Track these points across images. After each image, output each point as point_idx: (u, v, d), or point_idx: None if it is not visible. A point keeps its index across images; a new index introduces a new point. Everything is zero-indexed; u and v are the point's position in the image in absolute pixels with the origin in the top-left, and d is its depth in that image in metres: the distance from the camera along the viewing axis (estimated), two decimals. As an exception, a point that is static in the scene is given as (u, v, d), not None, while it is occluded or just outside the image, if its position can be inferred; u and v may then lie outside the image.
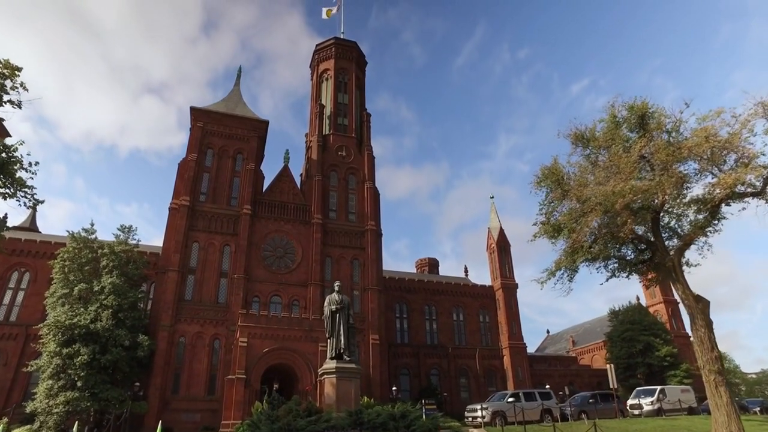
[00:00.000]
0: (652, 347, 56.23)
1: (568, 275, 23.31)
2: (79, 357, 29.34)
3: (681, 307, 74.71)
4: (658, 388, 29.37)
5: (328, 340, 15.91)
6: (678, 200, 17.74)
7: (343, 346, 15.43)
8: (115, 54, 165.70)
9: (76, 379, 29.20)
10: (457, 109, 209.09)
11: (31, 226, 58.20)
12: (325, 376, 15.26)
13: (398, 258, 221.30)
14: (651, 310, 69.75)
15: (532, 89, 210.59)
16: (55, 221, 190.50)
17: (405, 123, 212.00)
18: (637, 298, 71.56)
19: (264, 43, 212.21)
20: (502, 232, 64.71)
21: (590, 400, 26.51)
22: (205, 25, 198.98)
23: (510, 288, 61.23)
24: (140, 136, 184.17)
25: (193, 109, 46.04)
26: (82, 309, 32.33)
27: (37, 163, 14.85)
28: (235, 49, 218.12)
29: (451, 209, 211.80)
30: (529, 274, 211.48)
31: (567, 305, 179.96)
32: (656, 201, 18.80)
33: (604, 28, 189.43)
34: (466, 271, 74.51)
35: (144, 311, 38.98)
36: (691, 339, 18.93)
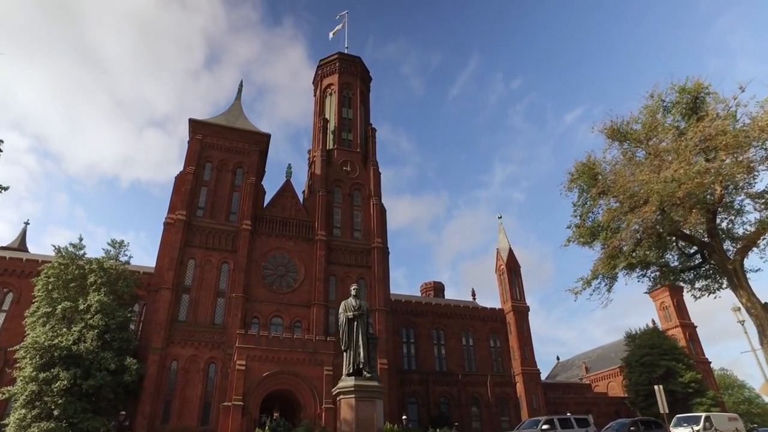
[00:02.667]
0: (675, 373, 52.89)
1: (606, 284, 20.86)
2: (58, 382, 26.30)
3: (699, 330, 71.71)
4: (703, 415, 26.48)
5: (345, 353, 13.27)
6: (745, 191, 15.38)
7: (362, 360, 12.78)
8: (120, 88, 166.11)
9: (53, 407, 26.06)
10: (456, 139, 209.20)
11: (20, 246, 55.67)
12: (342, 396, 12.55)
13: (396, 287, 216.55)
14: (667, 334, 66.43)
15: (527, 118, 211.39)
16: (51, 249, 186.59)
17: (405, 153, 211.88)
18: (653, 322, 68.37)
19: (265, 76, 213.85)
20: (511, 253, 62.20)
21: (632, 428, 23.63)
22: (208, 60, 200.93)
23: (521, 311, 58.51)
24: (142, 168, 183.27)
25: (191, 121, 44.15)
26: (64, 329, 29.49)
27: (0, 141, 12.57)
28: (237, 82, 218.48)
29: (449, 239, 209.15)
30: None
31: (566, 334, 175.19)
32: (713, 195, 16.51)
33: (596, 59, 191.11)
34: (473, 294, 71.61)
35: (136, 333, 36.12)
36: (760, 355, 16.16)
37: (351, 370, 12.91)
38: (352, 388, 12.22)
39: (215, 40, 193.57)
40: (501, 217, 66.21)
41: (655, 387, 22.02)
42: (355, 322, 13.37)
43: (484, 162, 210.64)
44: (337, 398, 12.83)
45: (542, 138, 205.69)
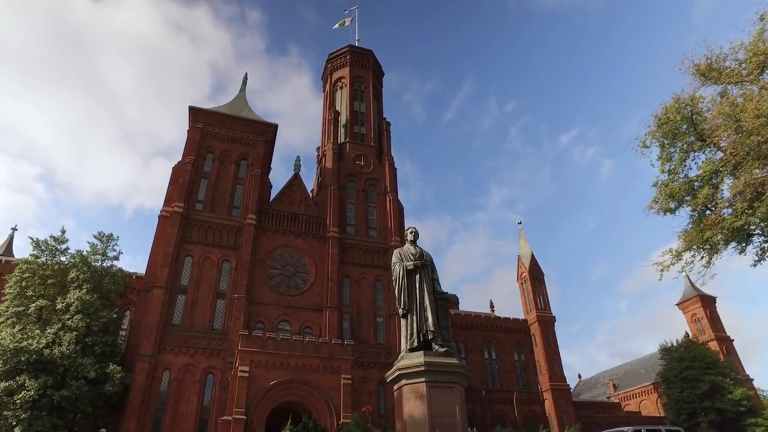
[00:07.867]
0: (722, 389, 47.66)
1: (703, 256, 16.59)
2: (23, 392, 21.76)
3: (736, 344, 66.25)
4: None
5: (403, 320, 8.84)
6: None
7: (431, 328, 8.41)
8: (128, 119, 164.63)
9: (14, 423, 21.46)
10: (453, 162, 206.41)
11: (5, 252, 51.81)
12: (404, 381, 8.05)
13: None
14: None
15: (522, 141, 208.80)
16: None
17: (408, 178, 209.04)
18: (687, 334, 63.11)
19: (269, 103, 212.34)
20: (533, 259, 57.73)
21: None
22: (214, 90, 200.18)
23: (547, 321, 53.82)
24: (146, 196, 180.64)
25: (192, 109, 40.46)
26: (37, 331, 25.03)
27: None
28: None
29: (450, 263, 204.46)
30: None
31: (568, 358, 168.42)
32: None
33: (589, 81, 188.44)
34: (491, 306, 66.60)
35: (127, 338, 31.67)
36: None
37: (415, 343, 8.39)
38: (422, 367, 7.73)
39: (221, 70, 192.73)
40: (521, 223, 61.87)
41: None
42: (417, 275, 9.00)
43: (480, 185, 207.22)
44: (395, 385, 8.35)
45: (537, 160, 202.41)
